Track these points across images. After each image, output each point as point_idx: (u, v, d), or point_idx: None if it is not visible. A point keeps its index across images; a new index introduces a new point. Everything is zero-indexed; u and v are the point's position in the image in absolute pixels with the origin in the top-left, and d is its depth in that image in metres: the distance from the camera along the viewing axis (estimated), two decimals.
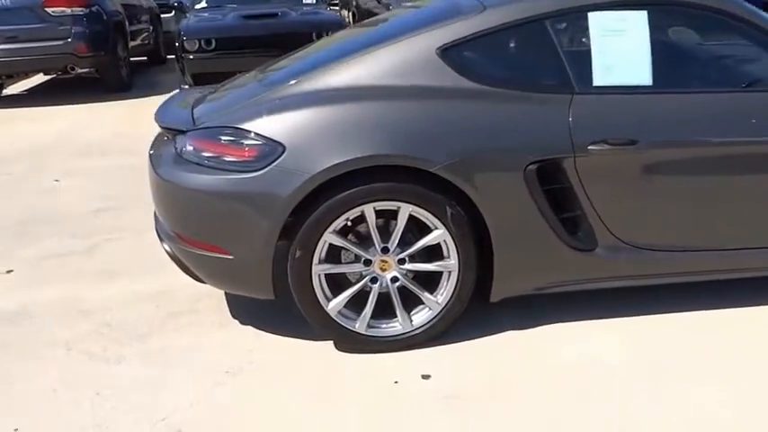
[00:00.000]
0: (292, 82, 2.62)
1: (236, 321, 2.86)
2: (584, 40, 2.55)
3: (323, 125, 2.43)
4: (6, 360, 2.64)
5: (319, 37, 6.98)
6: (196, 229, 2.53)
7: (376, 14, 9.17)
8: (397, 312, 2.55)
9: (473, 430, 2.16)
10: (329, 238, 2.42)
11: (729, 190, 2.55)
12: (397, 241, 2.48)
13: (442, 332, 2.59)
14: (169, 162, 2.63)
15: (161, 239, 2.78)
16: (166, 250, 2.75)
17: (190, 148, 2.56)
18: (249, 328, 2.80)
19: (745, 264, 2.66)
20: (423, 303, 2.57)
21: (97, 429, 2.22)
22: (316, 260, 2.44)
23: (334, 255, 2.51)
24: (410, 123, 2.43)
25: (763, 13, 2.59)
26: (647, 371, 2.42)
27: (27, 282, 3.32)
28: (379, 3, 8.86)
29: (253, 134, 2.42)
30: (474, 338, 2.64)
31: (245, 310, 2.91)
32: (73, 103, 7.59)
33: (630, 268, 2.62)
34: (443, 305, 2.54)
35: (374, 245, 2.48)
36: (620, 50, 2.53)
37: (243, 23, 6.86)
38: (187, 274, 2.72)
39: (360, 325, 2.54)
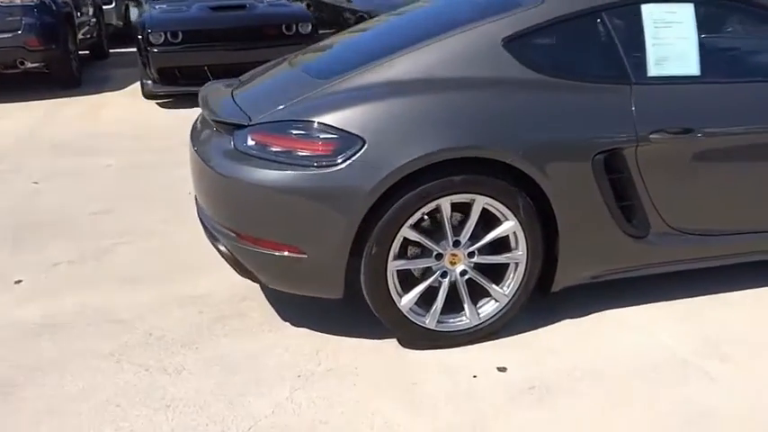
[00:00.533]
0: (354, 73, 2.55)
1: (288, 323, 2.78)
2: (638, 31, 2.60)
3: (402, 117, 2.38)
4: (54, 377, 2.47)
5: (288, 30, 6.87)
6: (265, 228, 2.43)
7: (337, 7, 9.08)
8: (465, 306, 2.55)
9: (568, 419, 2.19)
10: (406, 232, 2.39)
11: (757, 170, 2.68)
12: (469, 234, 2.47)
13: (504, 324, 2.61)
14: (226, 157, 2.52)
15: (214, 239, 2.67)
16: (221, 250, 2.63)
17: (252, 142, 2.46)
18: (303, 329, 2.73)
19: None
20: (488, 296, 2.58)
21: None
22: (391, 256, 2.40)
23: (403, 250, 2.47)
24: (486, 115, 2.42)
25: None
26: (710, 351, 2.51)
27: (43, 291, 3.11)
28: None
29: (329, 127, 2.35)
30: (530, 329, 2.67)
31: (292, 311, 2.83)
32: (21, 101, 7.13)
33: (680, 253, 2.71)
34: (510, 296, 2.56)
35: (446, 238, 2.46)
36: (671, 42, 2.61)
37: (211, 15, 6.62)
38: (244, 275, 2.62)
39: (430, 320, 2.52)
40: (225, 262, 2.69)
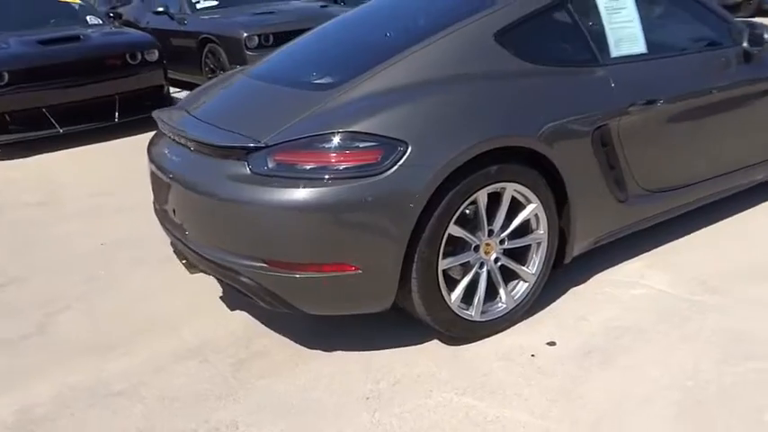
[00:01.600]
0: (359, 81, 2.49)
1: (316, 351, 2.62)
2: (597, 18, 2.87)
3: (434, 116, 2.38)
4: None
5: (133, 58, 6.35)
6: (304, 251, 2.28)
7: (167, 32, 8.42)
8: (501, 292, 2.61)
9: (637, 369, 2.35)
10: (452, 229, 2.39)
11: (714, 126, 3.10)
12: (501, 222, 2.53)
13: (532, 303, 2.72)
14: (242, 182, 2.32)
15: (226, 273, 2.44)
16: (243, 282, 2.40)
17: (274, 164, 2.29)
18: (336, 353, 2.59)
19: (734, 182, 3.28)
20: (517, 279, 2.66)
21: None
22: (440, 256, 2.38)
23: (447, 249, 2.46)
24: (503, 105, 2.51)
25: None
26: (702, 288, 2.84)
27: None
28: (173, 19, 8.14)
29: (368, 135, 2.27)
30: (547, 303, 2.80)
31: (311, 341, 2.67)
32: None
33: (653, 210, 3.02)
34: (537, 275, 2.67)
35: (482, 229, 2.50)
36: (622, 25, 2.91)
37: (41, 50, 5.83)
38: (275, 305, 2.42)
39: (475, 312, 2.54)
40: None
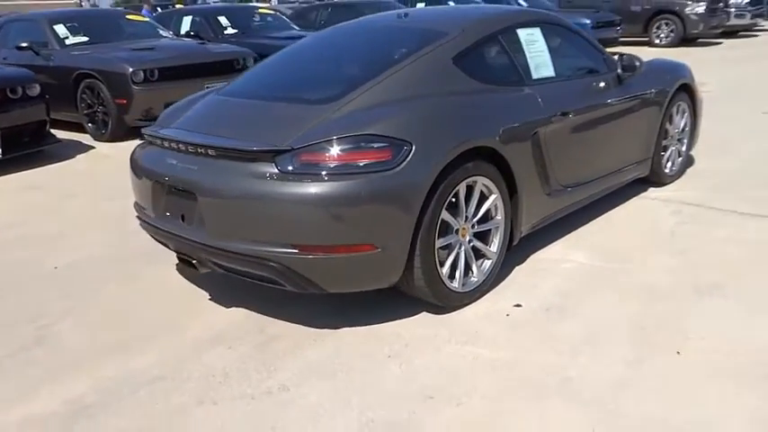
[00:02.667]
0: (354, 95, 2.98)
1: (325, 330, 3.00)
2: (520, 47, 3.60)
3: (427, 122, 2.92)
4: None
5: (14, 93, 6.22)
6: (334, 235, 2.70)
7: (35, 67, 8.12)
8: (473, 267, 3.19)
9: (590, 315, 3.02)
10: (444, 215, 2.93)
11: (598, 136, 3.94)
12: (473, 210, 3.12)
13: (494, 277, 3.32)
14: (272, 180, 2.71)
15: (250, 263, 2.78)
16: (273, 267, 2.75)
17: (299, 164, 2.71)
18: (344, 330, 3.00)
19: (619, 179, 4.16)
20: (482, 257, 3.26)
21: None
22: (436, 237, 2.91)
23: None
24: (472, 115, 3.12)
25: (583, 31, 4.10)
26: (607, 258, 3.63)
27: (21, 393, 2.67)
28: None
29: (380, 137, 2.76)
30: (502, 278, 3.42)
31: (318, 319, 3.07)
32: None
33: (567, 201, 3.78)
34: (498, 253, 3.28)
35: (461, 215, 3.07)
36: (537, 54, 3.68)
37: None
38: (301, 286, 2.80)
39: (458, 284, 3.09)
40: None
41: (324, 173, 2.71)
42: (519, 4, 14.27)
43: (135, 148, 3.50)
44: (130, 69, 7.21)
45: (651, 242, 3.86)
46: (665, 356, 2.68)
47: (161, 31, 9.02)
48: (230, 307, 3.25)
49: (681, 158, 4.94)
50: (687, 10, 15.05)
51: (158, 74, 7.37)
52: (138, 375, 2.71)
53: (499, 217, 3.26)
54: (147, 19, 9.55)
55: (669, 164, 4.81)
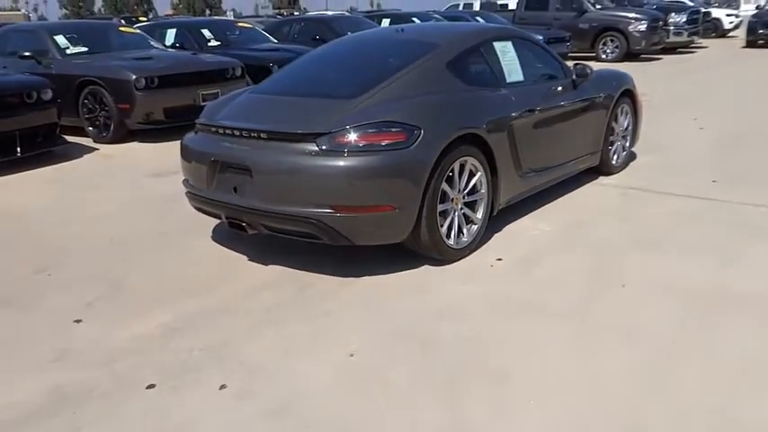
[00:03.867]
0: (373, 92, 3.81)
1: (344, 278, 3.79)
2: (496, 57, 4.49)
3: (432, 113, 3.75)
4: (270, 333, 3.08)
5: (29, 97, 6.86)
6: (365, 197, 3.51)
7: None
8: (464, 230, 4.03)
9: (553, 266, 3.89)
10: (444, 186, 3.77)
11: (558, 130, 4.84)
12: (464, 184, 3.97)
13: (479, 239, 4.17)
14: (316, 156, 3.51)
15: (295, 222, 3.56)
16: (316, 223, 3.52)
17: (337, 143, 3.51)
18: (365, 278, 3.79)
19: (573, 167, 5.07)
20: (470, 223, 4.10)
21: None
22: (437, 202, 3.75)
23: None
24: (464, 109, 3.98)
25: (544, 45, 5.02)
26: (567, 227, 4.52)
27: (126, 313, 3.39)
28: None
29: (397, 123, 3.58)
30: (484, 241, 4.28)
31: (333, 272, 3.86)
32: None
33: (533, 183, 4.66)
34: (482, 219, 4.14)
35: (455, 188, 3.91)
36: (510, 62, 4.58)
37: None
38: (337, 240, 3.58)
39: (453, 242, 3.93)
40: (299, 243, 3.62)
41: (354, 150, 3.51)
42: (477, 21, 15.35)
43: (185, 137, 4.26)
44: (134, 76, 7.88)
45: (602, 215, 4.78)
46: (614, 288, 3.57)
47: (152, 43, 9.69)
48: (268, 265, 4.01)
49: (625, 153, 5.91)
50: (630, 28, 16.40)
51: (158, 81, 8.05)
52: (209, 309, 3.46)
53: (483, 190, 4.11)
54: (139, 31, 10.19)
55: (615, 156, 5.76)
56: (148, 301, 3.60)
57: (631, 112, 5.87)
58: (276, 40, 11.60)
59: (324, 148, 3.53)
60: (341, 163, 3.49)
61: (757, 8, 25.12)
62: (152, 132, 8.25)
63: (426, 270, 3.88)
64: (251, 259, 4.11)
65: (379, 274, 3.81)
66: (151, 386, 2.76)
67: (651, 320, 3.20)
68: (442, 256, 3.91)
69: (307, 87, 4.32)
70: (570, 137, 5.02)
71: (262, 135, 3.69)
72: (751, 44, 19.90)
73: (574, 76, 5.04)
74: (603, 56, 16.64)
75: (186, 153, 4.15)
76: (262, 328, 3.25)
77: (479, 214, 4.12)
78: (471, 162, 3.97)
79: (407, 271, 3.86)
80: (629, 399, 2.59)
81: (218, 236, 4.54)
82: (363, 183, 3.50)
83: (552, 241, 4.30)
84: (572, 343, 3.02)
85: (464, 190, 3.98)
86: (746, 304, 3.32)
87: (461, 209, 4.00)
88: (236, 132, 3.80)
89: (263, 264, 4.04)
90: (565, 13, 17.37)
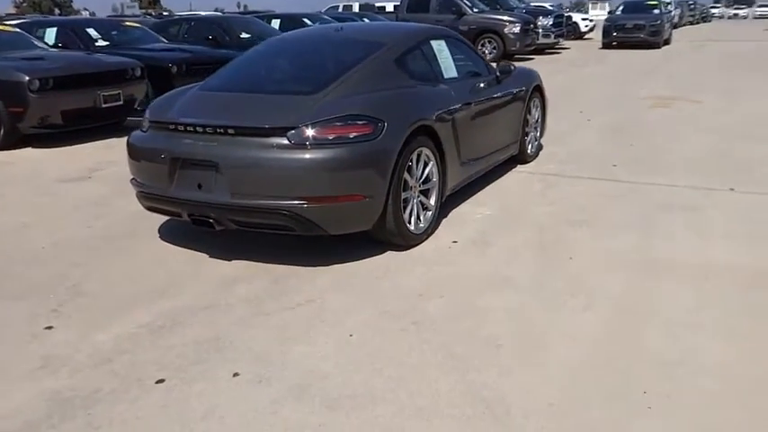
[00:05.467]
0: (330, 88, 3.92)
1: (313, 267, 3.90)
2: (434, 55, 4.75)
3: (391, 106, 3.92)
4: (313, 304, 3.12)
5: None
6: (338, 187, 3.62)
7: None
8: (421, 216, 4.25)
9: (501, 246, 4.21)
10: (405, 175, 3.96)
11: (488, 122, 5.18)
12: (420, 173, 4.18)
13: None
14: (287, 149, 3.59)
15: (266, 214, 3.63)
16: (289, 214, 3.59)
17: (307, 136, 3.61)
18: (336, 266, 3.92)
19: (499, 156, 5.43)
20: (425, 210, 4.32)
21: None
22: (401, 191, 3.94)
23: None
24: (417, 102, 4.20)
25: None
26: (500, 210, 4.88)
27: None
28: None
29: (363, 116, 3.73)
30: (437, 225, 4.53)
31: (302, 262, 3.96)
32: None
33: (470, 171, 4.97)
34: (435, 206, 4.38)
35: (414, 176, 4.11)
36: (445, 60, 4.86)
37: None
38: (310, 231, 3.68)
39: (413, 228, 4.14)
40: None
41: (324, 143, 3.63)
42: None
43: (132, 135, 4.17)
44: (27, 78, 7.40)
45: (530, 198, 5.19)
46: (563, 260, 3.93)
47: (36, 42, 9.12)
48: (231, 260, 4.02)
49: (536, 143, 6.40)
50: (506, 30, 17.40)
51: (54, 82, 7.61)
52: (188, 306, 3.44)
53: (435, 179, 4.35)
54: (17, 29, 9.53)
55: (530, 146, 6.24)
56: (117, 303, 3.51)
57: (540, 106, 6.37)
58: (166, 41, 11.26)
59: (294, 141, 3.61)
60: (312, 155, 3.59)
61: (609, 13, 27.44)
62: (47, 137, 7.78)
63: (392, 255, 4.06)
64: (212, 256, 4.10)
65: (347, 262, 3.94)
66: (160, 381, 2.75)
67: (602, 285, 3.57)
68: (405, 241, 4.10)
69: (261, 84, 4.35)
70: (498, 128, 5.39)
71: (229, 131, 3.70)
72: (606, 45, 21.79)
73: (498, 73, 5.41)
74: None
75: (137, 152, 4.07)
76: (250, 319, 3.29)
77: (432, 201, 4.36)
78: (425, 152, 4.19)
79: (374, 257, 4.02)
80: (608, 349, 2.92)
81: (168, 236, 4.47)
82: (334, 174, 3.62)
83: (495, 223, 4.63)
84: (542, 309, 3.32)
85: (420, 179, 4.20)
86: (672, 268, 3.78)
87: (418, 197, 4.22)
88: (200, 129, 3.79)
89: (225, 260, 4.04)
90: (445, 15, 18.07)
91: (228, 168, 3.67)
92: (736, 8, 60.74)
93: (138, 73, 8.54)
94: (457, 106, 4.62)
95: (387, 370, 2.81)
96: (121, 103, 8.12)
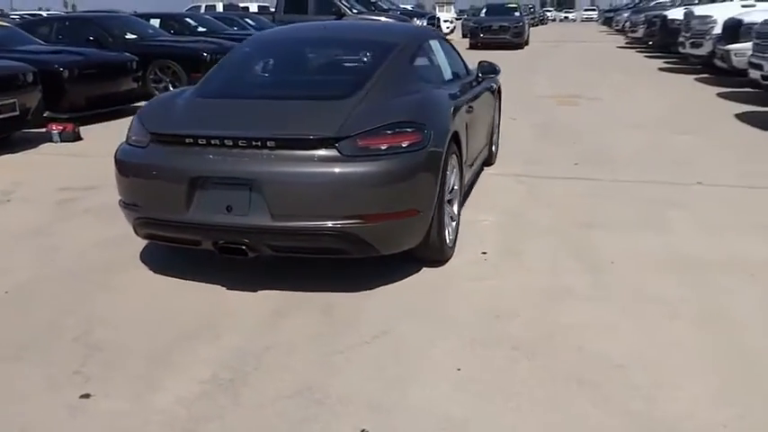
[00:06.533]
0: (363, 93, 3.54)
1: (370, 291, 3.51)
2: (436, 55, 4.49)
3: (429, 111, 3.60)
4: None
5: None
6: (394, 203, 3.27)
7: None
8: (449, 227, 3.96)
9: (534, 253, 4.05)
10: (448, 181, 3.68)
11: (478, 123, 4.94)
12: (452, 181, 3.90)
13: None
14: (337, 162, 3.17)
15: (316, 238, 3.21)
16: (339, 237, 3.20)
17: (357, 147, 3.21)
18: (391, 287, 3.55)
19: (481, 160, 5.27)
20: (452, 220, 4.03)
21: None
22: (445, 201, 3.64)
23: None
24: (446, 105, 3.91)
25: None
26: (503, 214, 4.73)
27: None
28: None
29: (410, 123, 3.38)
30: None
31: (351, 288, 3.57)
32: None
33: (468, 179, 4.76)
34: (458, 215, 4.12)
35: (448, 185, 3.81)
36: (443, 60, 4.61)
37: None
38: (363, 251, 3.31)
39: (448, 241, 3.85)
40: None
41: (378, 154, 3.25)
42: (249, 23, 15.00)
43: (126, 152, 3.53)
44: None
45: (523, 202, 5.09)
46: (606, 265, 3.83)
47: None
48: (257, 291, 3.51)
49: (497, 144, 6.34)
50: None
51: None
52: (244, 350, 2.92)
53: (457, 186, 4.10)
54: None
55: (494, 147, 6.15)
56: (151, 354, 2.91)
57: (498, 107, 6.30)
58: (43, 42, 9.99)
59: (346, 153, 3.20)
60: (368, 168, 3.20)
61: (461, 14, 28.64)
62: None
63: (428, 272, 3.74)
64: (231, 288, 3.55)
65: (389, 284, 3.58)
66: None
67: (665, 289, 3.50)
68: (443, 256, 3.81)
69: (275, 89, 3.86)
70: (482, 130, 5.23)
71: (268, 143, 3.20)
72: (473, 46, 22.60)
73: (480, 73, 5.24)
74: None
75: (136, 171, 3.43)
76: (329, 360, 2.85)
77: (456, 210, 4.10)
78: (453, 160, 3.93)
79: (413, 276, 3.69)
80: (741, 358, 2.84)
81: (153, 265, 3.85)
82: (392, 187, 3.26)
83: (507, 230, 4.45)
84: (630, 320, 3.16)
85: (451, 188, 3.93)
86: (708, 265, 3.82)
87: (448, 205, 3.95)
88: (229, 142, 3.25)
89: (249, 290, 3.52)
90: (324, 16, 17.72)
91: (267, 186, 3.18)
92: (566, 12, 65.83)
93: (31, 78, 7.43)
94: (464, 108, 4.40)
95: (527, 408, 2.51)
96: (17, 113, 7.02)
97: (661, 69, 15.51)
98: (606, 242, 4.19)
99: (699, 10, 14.55)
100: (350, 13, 17.78)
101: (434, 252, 3.72)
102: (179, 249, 3.76)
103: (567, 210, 4.85)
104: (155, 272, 3.79)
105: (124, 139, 3.70)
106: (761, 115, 8.75)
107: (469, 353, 2.91)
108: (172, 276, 3.71)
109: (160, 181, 3.36)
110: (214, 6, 24.19)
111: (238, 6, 25.11)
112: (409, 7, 26.64)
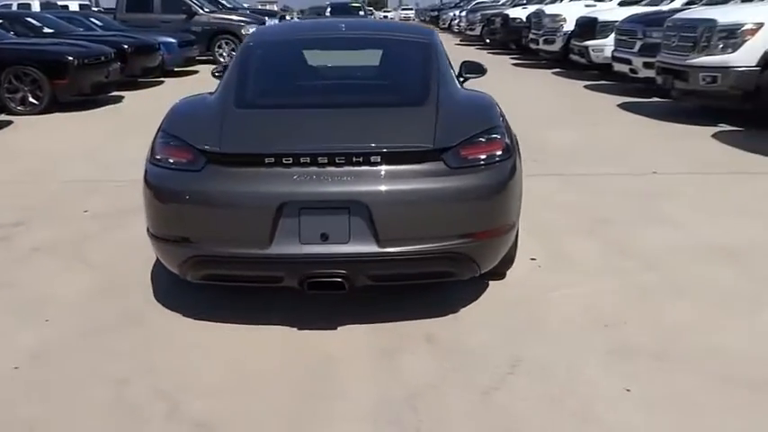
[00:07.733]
0: (434, 97, 3.23)
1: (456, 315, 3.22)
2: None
3: (499, 114, 3.32)
4: None
5: None
6: (501, 216, 3.01)
7: None
8: None
9: (575, 253, 3.99)
10: None
11: None
12: None
13: None
14: (444, 176, 2.86)
15: (422, 262, 2.88)
16: (448, 259, 2.91)
17: (461, 158, 2.91)
18: (476, 305, 3.27)
19: None
20: None
21: None
22: None
23: None
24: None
25: None
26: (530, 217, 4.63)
27: None
28: None
29: (493, 128, 3.12)
30: None
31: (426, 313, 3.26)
32: None
33: None
34: None
35: None
36: None
37: None
38: (470, 271, 3.02)
39: None
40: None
41: (479, 164, 2.95)
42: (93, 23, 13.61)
43: (160, 177, 2.92)
44: None
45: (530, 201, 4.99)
46: (660, 262, 3.84)
47: None
48: (336, 328, 3.07)
49: None
50: (243, 31, 16.63)
51: None
52: (394, 400, 2.52)
53: None
54: None
55: None
56: (286, 421, 2.41)
57: None
58: None
59: (452, 165, 2.88)
60: (476, 181, 2.91)
61: (301, 12, 28.38)
62: None
63: (498, 286, 3.51)
64: (303, 327, 3.07)
65: (467, 305, 3.31)
66: None
67: (728, 281, 3.57)
68: (507, 268, 3.59)
69: (335, 96, 3.46)
70: None
71: (371, 158, 2.78)
72: None
73: (464, 73, 5.06)
74: (221, 59, 16.51)
75: (193, 199, 2.82)
76: (489, 396, 2.54)
77: None
78: None
79: (487, 293, 3.44)
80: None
81: (189, 312, 3.23)
82: (498, 200, 3.00)
83: (536, 232, 4.17)
84: (731, 317, 3.18)
85: None
86: (738, 252, 3.97)
87: None
88: (322, 159, 2.77)
89: (327, 328, 3.07)
90: (172, 15, 16.58)
91: (375, 208, 2.77)
92: (384, 11, 67.96)
93: None
94: None
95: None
96: None
97: (515, 65, 16.33)
98: (639, 239, 4.19)
99: (549, 9, 15.61)
100: (201, 11, 16.76)
101: (506, 265, 3.49)
102: (187, 286, 3.18)
103: (574, 208, 4.82)
104: (194, 318, 3.18)
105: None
106: (642, 105, 9.48)
107: (619, 368, 2.75)
108: (218, 321, 3.13)
109: (232, 210, 2.80)
110: (29, 5, 21.63)
111: (56, 5, 22.70)
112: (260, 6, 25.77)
